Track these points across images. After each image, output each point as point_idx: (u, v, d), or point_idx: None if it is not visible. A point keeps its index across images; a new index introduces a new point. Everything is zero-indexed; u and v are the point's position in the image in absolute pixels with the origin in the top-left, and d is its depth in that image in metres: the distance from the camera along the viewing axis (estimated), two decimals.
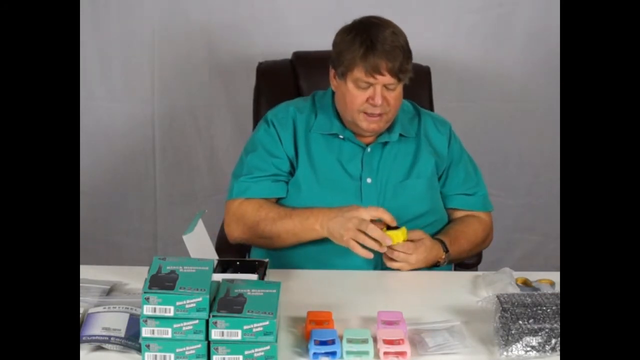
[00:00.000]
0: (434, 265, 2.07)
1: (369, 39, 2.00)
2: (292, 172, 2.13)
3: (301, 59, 2.58)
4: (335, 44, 2.09)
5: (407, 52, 2.04)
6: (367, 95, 2.02)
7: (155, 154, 3.10)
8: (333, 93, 2.16)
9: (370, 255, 1.92)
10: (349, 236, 1.91)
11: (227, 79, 3.03)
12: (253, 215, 2.08)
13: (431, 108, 2.50)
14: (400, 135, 2.15)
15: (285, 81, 2.53)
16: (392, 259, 1.98)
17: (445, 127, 2.24)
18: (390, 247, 1.95)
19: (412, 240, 1.99)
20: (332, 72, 2.11)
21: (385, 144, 2.15)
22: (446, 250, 2.08)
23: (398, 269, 1.99)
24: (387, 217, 1.93)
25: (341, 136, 2.14)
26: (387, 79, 2.00)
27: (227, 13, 2.97)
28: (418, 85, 2.45)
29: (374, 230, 1.90)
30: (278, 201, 2.13)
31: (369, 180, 2.12)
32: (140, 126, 3.07)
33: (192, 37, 2.99)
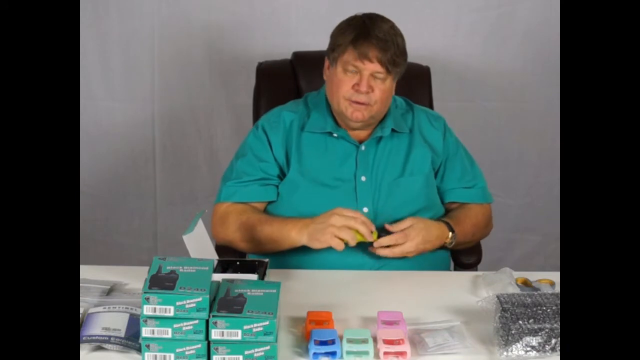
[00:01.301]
0: (441, 248, 2.07)
1: (365, 27, 2.03)
2: (280, 176, 2.14)
3: (301, 59, 2.58)
4: (332, 34, 2.11)
5: (401, 48, 2.05)
6: (354, 82, 2.03)
7: (155, 154, 3.10)
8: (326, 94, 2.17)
9: (353, 243, 1.92)
10: (332, 232, 1.90)
11: (227, 79, 3.03)
12: (236, 219, 2.09)
13: (431, 107, 2.49)
14: (393, 130, 2.15)
15: (285, 81, 2.53)
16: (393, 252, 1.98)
17: (439, 122, 2.24)
18: (381, 247, 1.96)
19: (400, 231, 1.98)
20: (326, 62, 2.12)
21: (379, 140, 2.15)
22: (452, 230, 2.07)
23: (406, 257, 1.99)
24: (363, 230, 1.91)
25: (335, 134, 2.14)
26: (376, 66, 2.01)
27: (227, 13, 2.97)
28: (418, 85, 2.46)
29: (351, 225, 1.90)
30: (269, 204, 2.14)
31: (363, 178, 2.12)
32: (140, 126, 3.07)
33: (192, 37, 3.00)
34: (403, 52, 2.07)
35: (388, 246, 1.98)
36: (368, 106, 2.05)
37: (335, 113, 2.13)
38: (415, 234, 1.98)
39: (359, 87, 2.02)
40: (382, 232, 1.98)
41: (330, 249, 1.94)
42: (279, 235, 2.02)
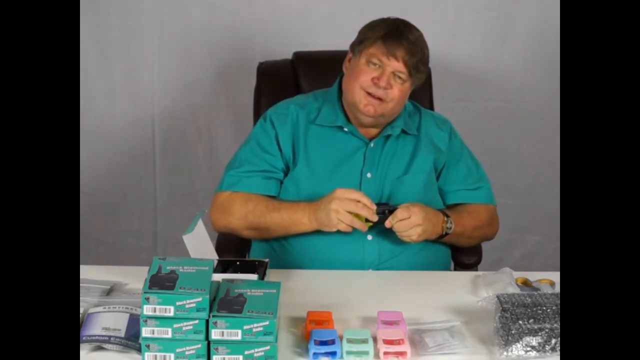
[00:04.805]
0: (443, 237, 2.08)
1: (398, 28, 2.07)
2: (285, 171, 2.14)
3: (301, 59, 2.58)
4: (361, 30, 2.13)
5: (426, 58, 2.10)
6: (375, 75, 2.05)
7: (155, 154, 3.10)
8: (339, 88, 2.18)
9: (365, 228, 1.95)
10: (337, 217, 1.93)
11: (227, 79, 3.03)
12: (241, 207, 2.09)
13: (432, 108, 2.50)
14: (403, 131, 2.16)
15: (286, 81, 2.53)
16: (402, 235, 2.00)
17: (445, 125, 2.26)
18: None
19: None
20: (348, 55, 2.14)
21: (387, 139, 2.15)
22: (446, 216, 2.08)
23: (412, 239, 1.99)
24: (365, 213, 1.94)
25: (345, 129, 2.14)
26: (400, 66, 2.04)
27: (227, 13, 2.97)
28: (418, 86, 2.45)
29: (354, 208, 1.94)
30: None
31: (369, 175, 2.13)
32: (140, 126, 3.07)
33: (192, 37, 3.00)
34: (426, 63, 2.12)
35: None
36: (382, 102, 2.06)
37: (348, 104, 2.14)
38: (418, 209, 2.00)
39: (379, 82, 2.04)
40: (382, 205, 1.99)
41: (329, 243, 1.98)
42: (290, 222, 2.04)
